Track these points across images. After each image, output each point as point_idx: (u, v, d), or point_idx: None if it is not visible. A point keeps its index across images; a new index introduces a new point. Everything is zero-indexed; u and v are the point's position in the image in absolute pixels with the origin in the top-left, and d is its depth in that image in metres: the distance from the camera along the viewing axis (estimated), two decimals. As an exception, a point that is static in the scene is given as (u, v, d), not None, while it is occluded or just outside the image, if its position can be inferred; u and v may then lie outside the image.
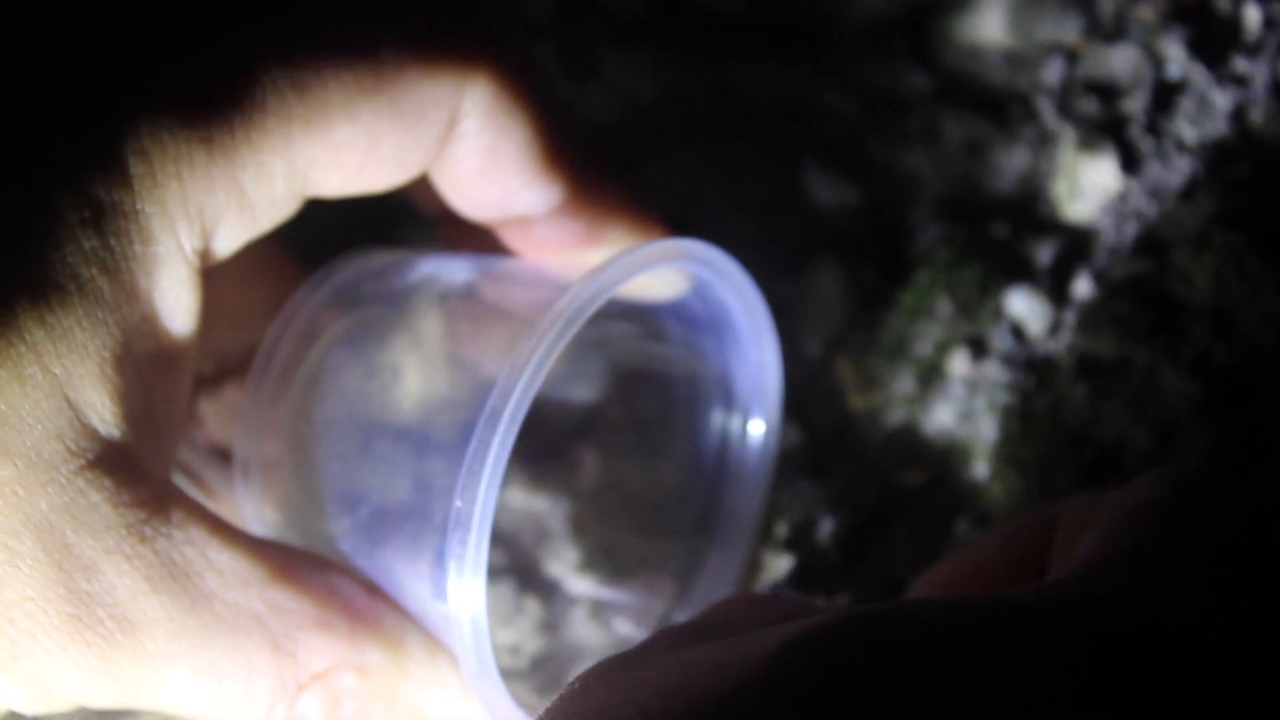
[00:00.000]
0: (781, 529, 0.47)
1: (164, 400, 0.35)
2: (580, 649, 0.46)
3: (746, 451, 0.45)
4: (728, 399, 0.45)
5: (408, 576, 0.37)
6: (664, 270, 0.38)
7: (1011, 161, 0.51)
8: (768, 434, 0.44)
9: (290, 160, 0.36)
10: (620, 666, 0.30)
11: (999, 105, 0.52)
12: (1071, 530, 0.34)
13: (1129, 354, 0.46)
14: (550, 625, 0.47)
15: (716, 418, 0.45)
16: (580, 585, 0.47)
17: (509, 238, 0.40)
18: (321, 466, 0.37)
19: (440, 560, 0.35)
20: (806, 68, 0.53)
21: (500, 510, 0.48)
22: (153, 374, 0.35)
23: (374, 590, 0.37)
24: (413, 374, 0.37)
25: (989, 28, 0.52)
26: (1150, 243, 0.48)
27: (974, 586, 0.37)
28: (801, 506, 0.47)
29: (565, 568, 0.47)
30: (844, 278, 0.50)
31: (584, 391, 0.48)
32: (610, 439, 0.48)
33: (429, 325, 0.38)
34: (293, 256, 0.42)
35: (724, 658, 0.27)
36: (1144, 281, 0.47)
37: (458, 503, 0.33)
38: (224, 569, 0.35)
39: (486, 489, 0.33)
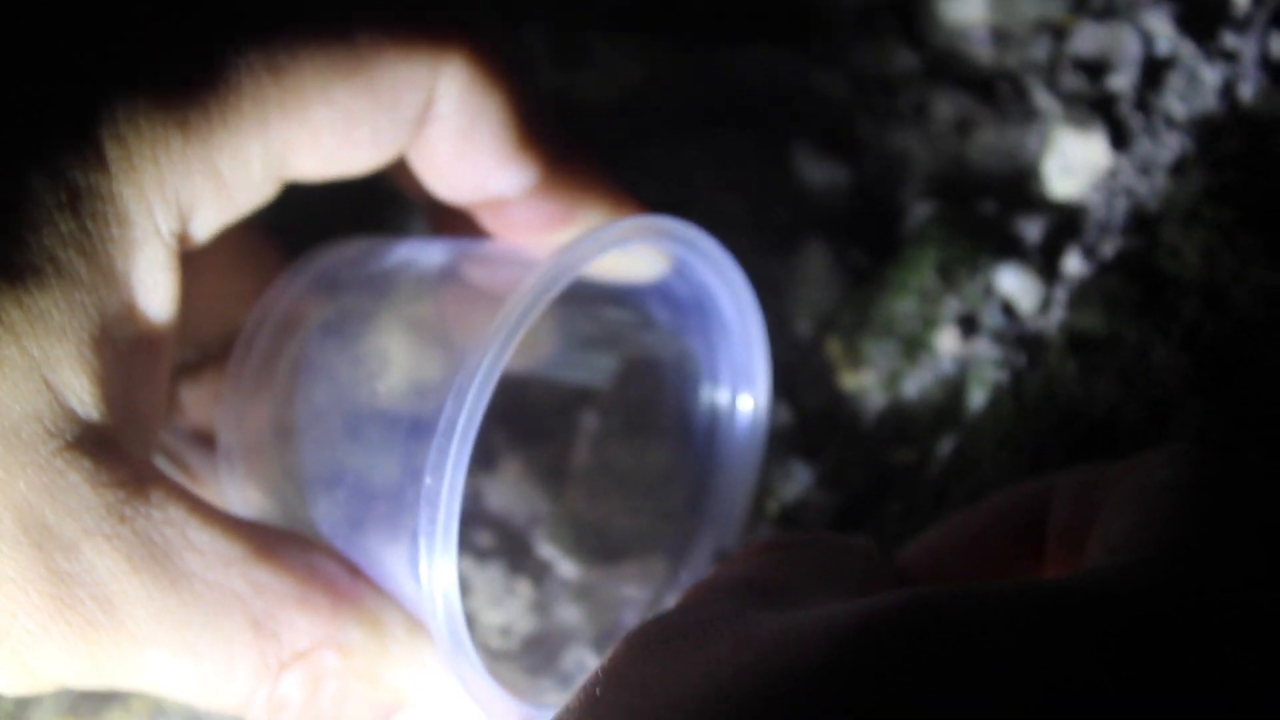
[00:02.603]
0: (773, 508, 0.47)
1: (143, 381, 0.35)
2: (571, 630, 0.46)
3: (736, 431, 0.45)
4: (715, 378, 0.45)
5: (388, 558, 0.37)
6: (635, 247, 0.38)
7: (1001, 139, 0.51)
8: (756, 413, 0.44)
9: (267, 143, 0.36)
10: (683, 632, 0.30)
11: (987, 83, 0.51)
12: (1073, 506, 0.34)
13: (1119, 330, 0.46)
14: (541, 606, 0.47)
15: (705, 398, 0.45)
16: (571, 567, 0.47)
17: (486, 220, 0.40)
18: (303, 451, 0.38)
19: (415, 539, 0.35)
20: (796, 50, 0.53)
21: (492, 492, 0.48)
22: (132, 356, 0.35)
23: (355, 570, 0.37)
24: (390, 358, 0.37)
25: (976, 6, 0.52)
26: (1140, 219, 0.47)
27: (969, 560, 0.37)
28: (793, 486, 0.47)
29: (556, 549, 0.47)
30: (834, 257, 0.50)
31: (574, 374, 0.48)
32: (601, 421, 0.48)
33: (406, 309, 0.38)
34: (273, 244, 0.43)
35: (794, 635, 0.27)
36: (1134, 257, 0.47)
37: (427, 480, 0.33)
38: (204, 548, 0.35)
39: (454, 464, 0.33)
